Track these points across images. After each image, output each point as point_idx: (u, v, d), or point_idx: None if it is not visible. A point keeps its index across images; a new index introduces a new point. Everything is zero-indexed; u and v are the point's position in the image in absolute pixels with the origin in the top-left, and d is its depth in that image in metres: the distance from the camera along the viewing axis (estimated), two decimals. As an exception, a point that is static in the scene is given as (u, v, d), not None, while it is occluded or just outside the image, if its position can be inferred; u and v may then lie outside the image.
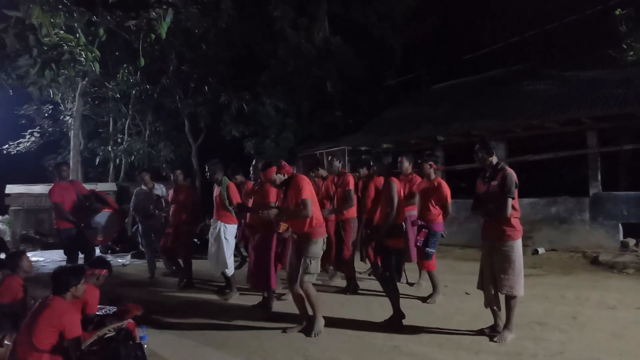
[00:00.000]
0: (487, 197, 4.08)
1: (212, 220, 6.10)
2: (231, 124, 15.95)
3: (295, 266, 4.34)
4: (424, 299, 5.36)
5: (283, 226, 4.57)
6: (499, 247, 4.00)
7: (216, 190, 6.00)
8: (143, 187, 7.50)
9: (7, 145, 16.08)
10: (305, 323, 4.42)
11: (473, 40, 15.66)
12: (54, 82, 6.32)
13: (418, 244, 5.33)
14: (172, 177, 7.04)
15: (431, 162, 5.43)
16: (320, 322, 4.34)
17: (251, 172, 6.07)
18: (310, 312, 4.38)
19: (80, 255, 6.47)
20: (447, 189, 5.34)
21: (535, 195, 9.26)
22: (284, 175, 4.33)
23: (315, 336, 4.24)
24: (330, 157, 6.27)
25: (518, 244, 4.00)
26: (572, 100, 9.01)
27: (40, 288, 5.71)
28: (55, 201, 6.11)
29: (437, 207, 5.33)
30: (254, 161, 5.66)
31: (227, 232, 5.89)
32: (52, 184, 6.33)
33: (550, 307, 4.96)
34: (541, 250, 8.47)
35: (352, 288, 5.89)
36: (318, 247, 4.27)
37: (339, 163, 6.11)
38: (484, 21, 17.16)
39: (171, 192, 6.97)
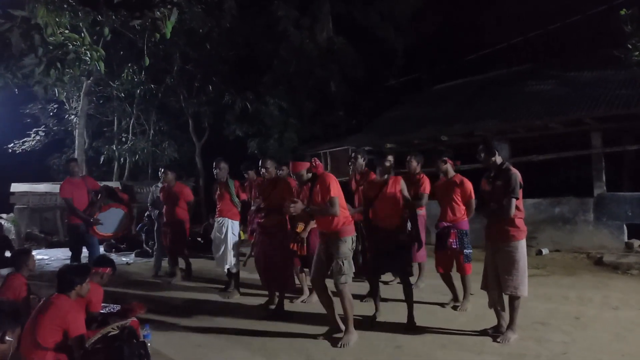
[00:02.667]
0: (491, 197, 4.08)
1: (216, 218, 6.09)
2: (235, 124, 15.98)
3: (322, 267, 4.18)
4: (454, 307, 5.05)
5: (301, 226, 4.48)
6: (503, 248, 3.99)
7: (219, 188, 6.01)
8: (159, 184, 7.52)
9: (12, 144, 16.18)
10: (332, 328, 4.24)
11: (475, 41, 15.60)
12: (59, 81, 6.34)
13: (453, 246, 4.85)
14: (162, 177, 7.02)
15: (445, 158, 4.99)
16: (352, 335, 4.09)
17: (260, 170, 5.94)
18: (341, 323, 4.18)
19: (85, 253, 6.53)
20: (470, 185, 4.91)
21: (539, 196, 9.23)
22: (311, 174, 4.20)
23: (342, 347, 4.00)
24: (353, 154, 5.82)
25: (522, 244, 3.99)
26: (575, 101, 8.97)
27: (44, 286, 5.76)
28: (64, 197, 6.23)
29: (460, 204, 4.91)
30: (260, 160, 5.30)
31: (234, 228, 5.94)
32: (62, 181, 6.44)
33: (553, 308, 4.95)
34: (545, 251, 8.45)
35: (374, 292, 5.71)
36: (347, 246, 4.11)
37: (363, 160, 5.68)
38: (487, 21, 17.10)
39: (164, 191, 7.04)
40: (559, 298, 5.37)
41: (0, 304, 2.92)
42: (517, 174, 3.92)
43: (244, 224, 6.23)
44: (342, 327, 4.19)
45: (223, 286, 6.29)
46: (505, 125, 9.57)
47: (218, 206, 6.06)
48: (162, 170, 7.18)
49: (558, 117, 8.83)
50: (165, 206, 7.04)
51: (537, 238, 8.67)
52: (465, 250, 4.87)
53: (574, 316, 4.63)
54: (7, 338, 2.56)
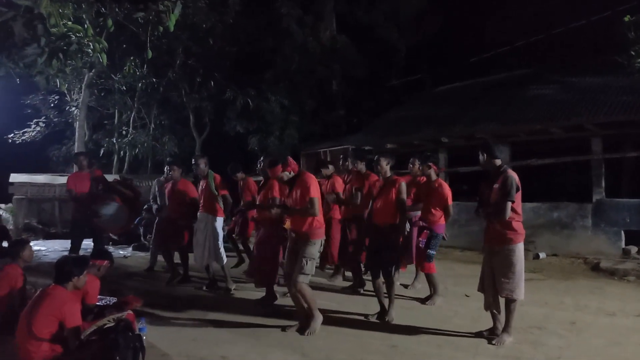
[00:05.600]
0: (489, 200, 4.08)
1: (199, 213, 6.02)
2: (235, 120, 15.97)
3: (292, 265, 4.33)
4: (422, 301, 5.35)
5: (289, 222, 4.56)
6: (500, 251, 4.00)
7: (202, 184, 6.01)
8: (162, 178, 7.44)
9: (12, 134, 16.16)
10: (302, 321, 4.39)
11: (478, 43, 15.61)
12: (60, 72, 6.34)
13: (420, 244, 5.24)
14: (168, 172, 6.76)
15: (430, 163, 5.38)
16: (317, 321, 4.32)
17: (258, 167, 6.22)
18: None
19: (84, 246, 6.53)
20: (447, 190, 5.26)
21: (538, 200, 9.24)
22: (290, 173, 4.39)
23: (310, 334, 4.21)
24: (342, 156, 6.33)
25: (519, 247, 4.00)
26: (576, 106, 8.97)
27: (41, 277, 5.75)
28: (68, 188, 6.43)
29: (437, 208, 5.25)
30: (261, 158, 5.73)
31: (217, 224, 5.91)
32: (61, 172, 6.45)
33: (549, 312, 4.96)
34: (542, 255, 8.46)
35: (358, 283, 5.85)
36: (315, 249, 4.30)
37: (348, 162, 6.08)
38: (489, 24, 17.12)
39: (169, 187, 6.90)
40: (555, 303, 5.38)
41: None
42: (513, 177, 3.92)
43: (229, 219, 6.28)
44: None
45: (209, 281, 6.18)
46: (506, 129, 9.57)
47: (201, 202, 6.03)
48: (168, 166, 6.85)
49: (559, 121, 8.84)
50: (169, 203, 6.73)
51: (534, 242, 8.68)
52: (428, 251, 5.19)
53: (570, 321, 4.64)
54: None
